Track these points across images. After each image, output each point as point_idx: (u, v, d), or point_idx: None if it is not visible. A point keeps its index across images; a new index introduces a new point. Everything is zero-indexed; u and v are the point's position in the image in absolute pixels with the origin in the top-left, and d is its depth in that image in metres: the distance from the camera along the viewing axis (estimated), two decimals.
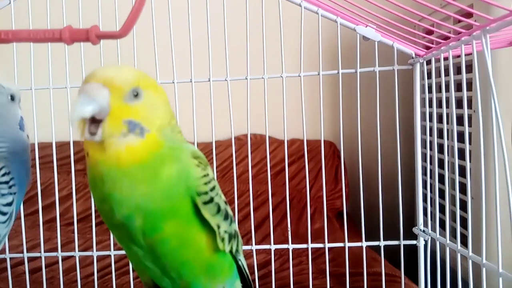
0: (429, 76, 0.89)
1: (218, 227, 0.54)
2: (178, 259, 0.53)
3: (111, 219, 0.51)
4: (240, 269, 0.62)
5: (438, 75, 0.82)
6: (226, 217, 0.55)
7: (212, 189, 0.54)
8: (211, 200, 0.53)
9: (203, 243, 0.54)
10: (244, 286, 0.63)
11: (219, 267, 0.57)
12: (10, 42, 0.51)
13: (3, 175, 0.57)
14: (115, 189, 0.48)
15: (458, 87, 1.11)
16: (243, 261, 0.61)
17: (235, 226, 0.59)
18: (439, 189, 0.94)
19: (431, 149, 0.89)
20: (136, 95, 0.49)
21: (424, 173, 0.97)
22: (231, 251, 0.58)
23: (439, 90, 1.20)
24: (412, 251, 0.95)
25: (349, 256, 0.93)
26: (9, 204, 0.58)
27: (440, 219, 1.12)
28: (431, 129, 0.89)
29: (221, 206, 0.55)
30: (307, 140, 0.95)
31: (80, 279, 0.95)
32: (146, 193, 0.48)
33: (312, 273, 1.03)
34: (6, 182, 0.57)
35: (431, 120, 0.88)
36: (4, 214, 0.57)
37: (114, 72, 0.49)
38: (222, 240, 0.54)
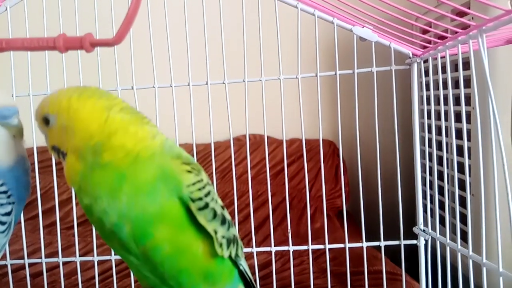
0: (427, 74, 0.89)
1: (216, 232, 0.53)
2: (175, 267, 0.52)
3: (101, 229, 0.52)
4: (242, 274, 0.61)
5: (436, 73, 0.82)
6: (223, 222, 0.55)
7: (207, 194, 0.53)
8: (206, 205, 0.52)
9: (200, 249, 0.53)
10: None
11: (218, 274, 0.56)
12: (4, 51, 0.51)
13: (1, 185, 0.57)
14: (90, 203, 0.50)
15: (456, 84, 1.11)
16: (244, 266, 0.61)
17: (234, 231, 0.58)
18: (439, 187, 0.94)
19: (430, 147, 0.89)
20: (47, 122, 0.51)
21: (424, 170, 0.97)
22: (230, 256, 0.57)
23: (436, 88, 1.20)
24: (413, 249, 0.95)
25: (350, 254, 0.93)
26: (8, 214, 0.57)
27: (440, 217, 1.12)
28: (429, 126, 0.89)
29: (218, 211, 0.54)
30: (307, 140, 0.96)
31: (81, 282, 0.95)
32: (125, 202, 0.49)
33: (314, 272, 1.03)
34: (5, 192, 0.57)
35: (429, 118, 0.88)
36: (3, 223, 0.57)
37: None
38: (220, 245, 0.53)
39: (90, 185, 0.49)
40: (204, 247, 0.53)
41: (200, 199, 0.51)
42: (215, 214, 0.53)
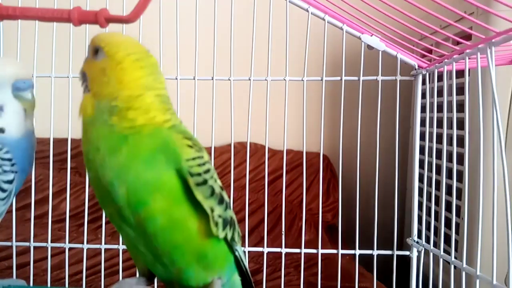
0: (432, 95, 0.89)
1: (212, 210, 0.52)
2: (169, 242, 0.52)
3: (98, 188, 0.52)
4: (238, 263, 0.60)
5: (439, 94, 0.83)
6: (221, 201, 0.54)
7: (207, 171, 0.53)
8: (205, 182, 0.52)
9: (195, 227, 0.52)
10: (243, 280, 0.61)
11: (212, 255, 0.55)
12: (17, 18, 0.51)
13: (6, 152, 0.58)
14: (90, 148, 0.51)
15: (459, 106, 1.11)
16: (240, 253, 0.60)
17: (232, 213, 0.57)
18: (434, 199, 0.94)
19: (428, 157, 0.89)
20: (96, 53, 0.52)
21: (420, 194, 0.96)
22: (226, 239, 0.56)
23: (440, 110, 1.20)
24: (403, 266, 0.94)
25: (339, 271, 0.93)
26: (10, 182, 0.58)
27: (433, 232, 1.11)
28: (430, 147, 0.89)
29: (216, 189, 0.54)
30: (300, 152, 0.95)
31: (68, 276, 0.94)
32: (122, 162, 0.49)
33: (302, 283, 1.02)
34: (9, 160, 0.58)
35: (430, 137, 0.88)
36: (4, 191, 0.57)
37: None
38: (216, 224, 0.53)
39: (92, 133, 0.51)
40: (200, 225, 0.53)
41: (199, 174, 0.51)
42: (213, 192, 0.53)
